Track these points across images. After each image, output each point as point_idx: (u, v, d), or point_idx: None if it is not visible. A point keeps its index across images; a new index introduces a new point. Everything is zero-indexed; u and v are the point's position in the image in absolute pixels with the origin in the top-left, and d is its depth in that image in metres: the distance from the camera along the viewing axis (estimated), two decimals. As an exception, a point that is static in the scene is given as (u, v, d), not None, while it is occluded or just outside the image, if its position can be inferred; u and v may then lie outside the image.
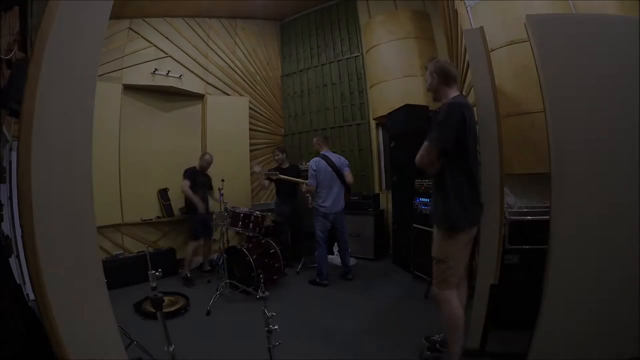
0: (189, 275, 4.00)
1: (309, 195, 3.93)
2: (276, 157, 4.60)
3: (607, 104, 1.82)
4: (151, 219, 4.45)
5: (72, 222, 1.39)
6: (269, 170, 4.19)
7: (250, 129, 5.55)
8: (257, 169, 4.29)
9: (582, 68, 1.84)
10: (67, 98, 1.40)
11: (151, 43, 4.58)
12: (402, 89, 4.58)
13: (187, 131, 5.01)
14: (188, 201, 4.10)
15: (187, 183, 4.01)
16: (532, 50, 1.90)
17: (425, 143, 1.91)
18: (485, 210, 2.05)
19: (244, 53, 5.72)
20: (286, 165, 4.60)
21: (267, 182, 4.34)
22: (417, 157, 1.96)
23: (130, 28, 4.40)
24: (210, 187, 4.29)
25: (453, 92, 1.99)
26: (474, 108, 2.17)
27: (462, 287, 2.17)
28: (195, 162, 4.30)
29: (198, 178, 4.13)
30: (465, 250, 1.98)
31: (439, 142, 1.86)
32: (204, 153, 4.32)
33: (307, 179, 3.86)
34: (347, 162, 3.88)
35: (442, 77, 1.99)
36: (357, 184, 5.08)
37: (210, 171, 4.37)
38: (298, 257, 4.62)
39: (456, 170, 1.90)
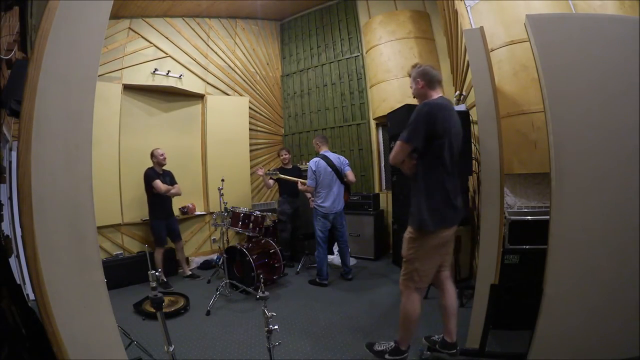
0: (164, 279, 3.89)
1: (310, 195, 3.94)
2: (282, 157, 4.66)
3: (607, 104, 1.81)
4: (151, 219, 4.44)
5: (72, 222, 1.39)
6: (269, 170, 4.20)
7: (250, 129, 5.55)
8: (260, 172, 4.28)
9: (582, 68, 1.84)
10: (67, 98, 1.40)
11: (151, 43, 4.59)
12: (402, 89, 4.58)
13: (187, 131, 5.02)
14: (152, 205, 3.93)
15: (159, 181, 3.85)
16: (532, 50, 1.90)
17: (398, 141, 1.93)
18: (485, 211, 2.05)
19: (244, 53, 5.73)
20: (290, 165, 4.68)
21: (271, 182, 4.38)
22: (390, 155, 1.98)
23: (130, 28, 4.40)
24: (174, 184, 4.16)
25: (436, 95, 2.01)
26: (474, 108, 2.17)
27: (448, 286, 2.17)
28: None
29: (162, 177, 3.97)
30: (434, 252, 1.97)
31: (408, 140, 1.88)
32: (153, 150, 3.98)
33: (307, 179, 3.86)
34: (347, 162, 3.88)
35: (427, 81, 2.02)
36: (357, 184, 5.09)
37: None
38: (298, 258, 4.63)
39: (428, 172, 1.92)
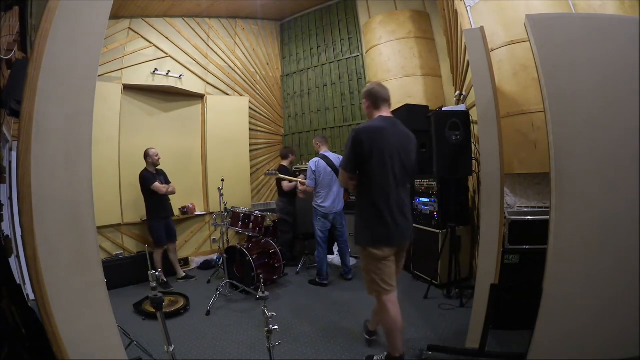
0: (165, 279, 3.89)
1: (302, 195, 3.97)
2: (291, 158, 4.67)
3: (607, 104, 1.81)
4: (151, 219, 4.44)
5: (72, 222, 1.39)
6: (269, 170, 4.19)
7: (250, 129, 5.55)
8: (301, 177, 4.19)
9: (582, 68, 1.84)
10: (67, 98, 1.40)
11: (151, 43, 4.59)
12: (402, 89, 4.58)
13: (187, 131, 5.02)
14: (153, 206, 3.92)
15: (158, 183, 3.86)
16: (532, 50, 1.90)
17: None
18: (484, 211, 2.04)
19: (244, 53, 5.73)
20: (290, 167, 4.73)
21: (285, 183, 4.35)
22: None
23: (130, 28, 4.40)
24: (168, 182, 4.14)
25: (378, 114, 2.05)
26: (474, 108, 2.17)
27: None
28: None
29: (159, 178, 3.96)
30: (384, 262, 1.99)
31: (343, 167, 2.02)
32: (147, 150, 3.95)
33: (305, 179, 3.86)
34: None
35: (371, 101, 2.07)
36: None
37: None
38: (298, 258, 4.63)
39: (362, 192, 2.02)
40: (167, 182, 4.08)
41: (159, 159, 3.98)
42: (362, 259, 2.08)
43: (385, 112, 2.06)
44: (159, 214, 3.94)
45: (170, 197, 4.10)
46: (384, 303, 2.03)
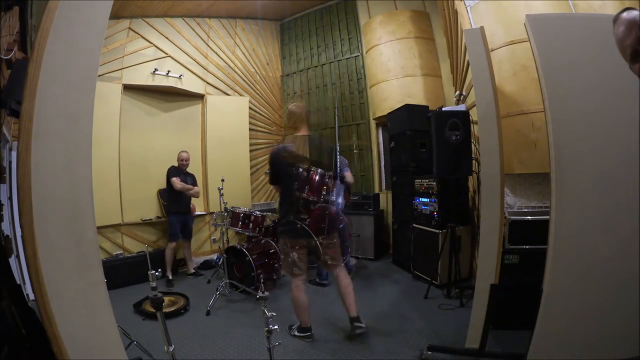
0: (170, 277, 4.03)
1: None
2: None
3: (607, 104, 1.81)
4: (151, 219, 4.45)
5: (72, 222, 1.39)
6: (268, 171, 4.19)
7: (250, 129, 5.55)
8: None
9: (582, 68, 1.84)
10: (67, 98, 1.40)
11: (151, 43, 4.59)
12: (402, 89, 4.59)
13: (187, 131, 5.02)
14: (170, 201, 4.12)
15: (178, 179, 4.03)
16: (532, 50, 1.90)
17: None
18: (484, 211, 2.03)
19: (244, 53, 5.73)
20: None
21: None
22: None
23: (130, 28, 4.40)
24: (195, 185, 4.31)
25: (297, 133, 2.51)
26: (474, 108, 2.17)
27: (339, 277, 2.63)
28: (192, 162, 4.32)
29: (183, 177, 4.13)
30: (290, 252, 2.46)
31: (269, 181, 2.64)
32: (179, 153, 4.23)
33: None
34: (346, 162, 3.88)
35: (290, 121, 2.55)
36: (357, 184, 5.09)
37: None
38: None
39: (281, 197, 2.56)
40: (194, 184, 4.23)
41: (186, 163, 4.18)
42: (280, 246, 2.60)
43: (303, 131, 2.50)
44: (173, 209, 4.09)
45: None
46: (295, 283, 2.50)
